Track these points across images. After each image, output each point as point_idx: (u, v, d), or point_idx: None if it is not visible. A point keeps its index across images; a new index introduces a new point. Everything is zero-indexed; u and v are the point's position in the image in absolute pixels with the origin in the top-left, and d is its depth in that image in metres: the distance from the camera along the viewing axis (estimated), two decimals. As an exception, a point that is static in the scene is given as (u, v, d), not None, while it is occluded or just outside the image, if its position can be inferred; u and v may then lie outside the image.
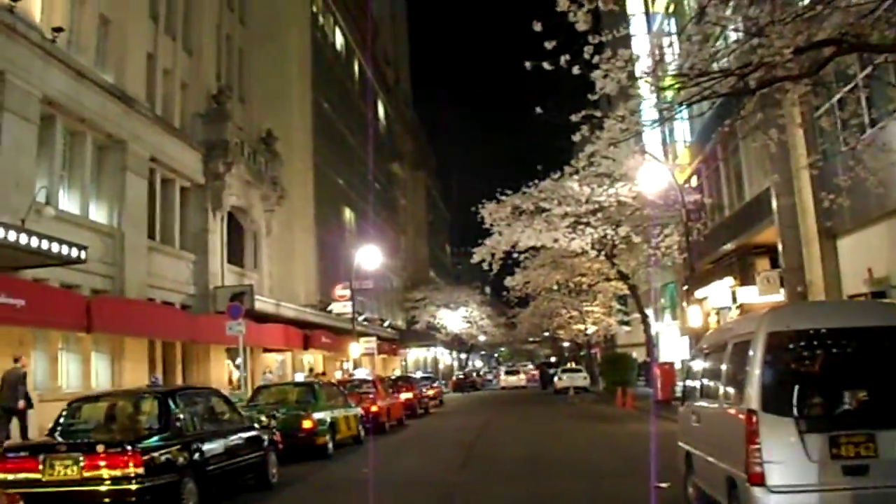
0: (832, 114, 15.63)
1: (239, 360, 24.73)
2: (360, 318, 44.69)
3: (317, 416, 15.07)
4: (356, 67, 52.75)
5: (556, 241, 24.69)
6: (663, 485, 9.57)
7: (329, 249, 39.48)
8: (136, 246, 22.49)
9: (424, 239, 77.82)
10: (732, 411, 6.46)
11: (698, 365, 8.20)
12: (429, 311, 62.70)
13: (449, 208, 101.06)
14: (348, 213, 45.65)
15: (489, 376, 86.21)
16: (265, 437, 11.54)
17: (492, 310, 72.45)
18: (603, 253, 25.78)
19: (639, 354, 42.29)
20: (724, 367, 6.97)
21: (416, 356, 66.01)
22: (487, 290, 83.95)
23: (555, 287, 39.54)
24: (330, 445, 15.49)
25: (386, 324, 52.14)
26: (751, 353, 6.22)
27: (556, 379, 45.34)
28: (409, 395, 26.98)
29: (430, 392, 34.03)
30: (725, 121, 12.62)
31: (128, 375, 21.22)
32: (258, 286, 31.49)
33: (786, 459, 5.77)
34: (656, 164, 22.40)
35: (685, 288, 30.75)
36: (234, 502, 10.38)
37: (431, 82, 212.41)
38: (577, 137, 11.38)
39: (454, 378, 60.31)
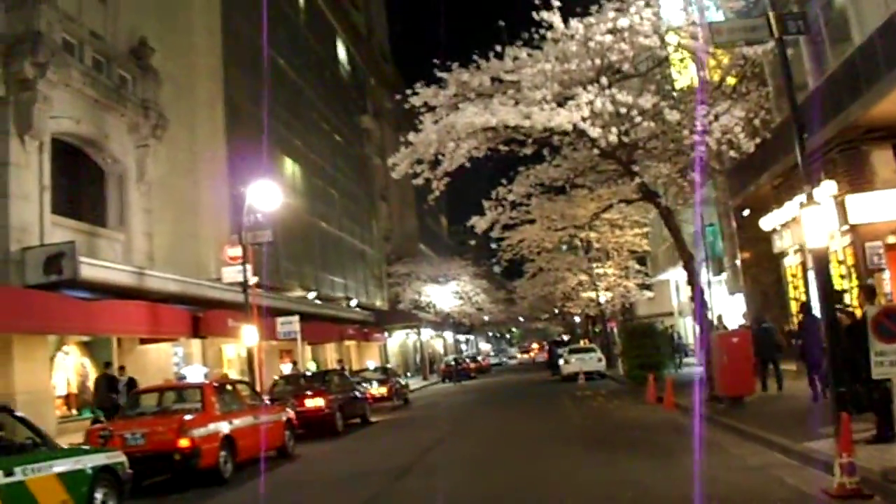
0: None
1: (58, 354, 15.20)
2: (311, 296, 35.43)
3: None
4: (302, -6, 42.93)
5: (527, 118, 14.32)
6: None
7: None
8: None
9: (412, 209, 67.87)
10: None
11: None
12: (413, 287, 53.32)
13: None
14: (290, 165, 36.07)
15: (494, 360, 77.20)
16: None
17: (489, 284, 62.94)
18: (610, 135, 14.41)
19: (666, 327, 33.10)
20: None
21: (399, 341, 56.47)
22: (497, 269, 74.32)
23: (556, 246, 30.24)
24: None
25: (353, 303, 42.65)
26: None
27: (561, 362, 35.43)
28: (320, 401, 17.45)
29: (381, 390, 24.42)
30: None
31: None
32: (125, 250, 22.14)
33: None
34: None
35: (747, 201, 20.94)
36: None
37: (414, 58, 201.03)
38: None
39: (442, 365, 50.54)
